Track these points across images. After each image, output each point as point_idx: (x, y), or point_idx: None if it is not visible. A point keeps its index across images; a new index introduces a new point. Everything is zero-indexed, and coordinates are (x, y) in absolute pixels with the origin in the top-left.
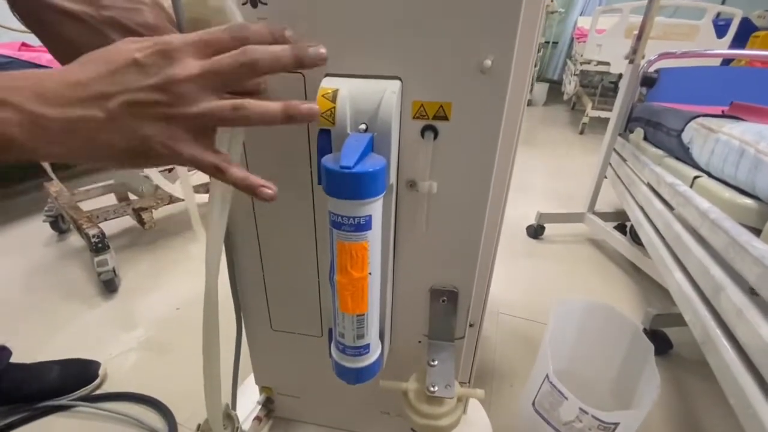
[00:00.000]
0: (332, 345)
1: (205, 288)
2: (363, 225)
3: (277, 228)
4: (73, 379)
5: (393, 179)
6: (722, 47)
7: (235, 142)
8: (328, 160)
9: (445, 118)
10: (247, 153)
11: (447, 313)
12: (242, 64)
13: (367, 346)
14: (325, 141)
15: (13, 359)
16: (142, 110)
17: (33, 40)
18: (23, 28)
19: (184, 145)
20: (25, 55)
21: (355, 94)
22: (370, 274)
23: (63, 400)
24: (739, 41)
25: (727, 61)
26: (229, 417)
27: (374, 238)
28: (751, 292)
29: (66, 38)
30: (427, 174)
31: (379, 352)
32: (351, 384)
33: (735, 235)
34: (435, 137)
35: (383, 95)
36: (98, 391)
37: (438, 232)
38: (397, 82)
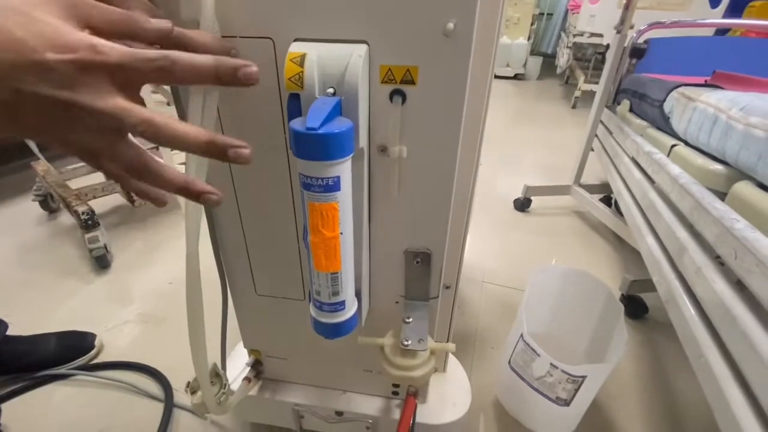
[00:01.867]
0: (310, 303)
1: (186, 250)
2: (332, 186)
3: (256, 195)
4: (70, 349)
5: (364, 143)
6: (716, 17)
7: (208, 108)
8: (296, 123)
9: (412, 82)
10: (222, 120)
11: (421, 273)
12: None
13: (342, 303)
14: (295, 105)
15: (10, 333)
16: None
17: None
18: None
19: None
20: None
21: (323, 59)
22: (341, 233)
23: (61, 369)
24: (736, 12)
25: (723, 32)
26: (217, 375)
27: (344, 198)
28: (717, 260)
29: None
30: (396, 138)
31: (355, 308)
32: (329, 338)
33: (699, 198)
34: (403, 102)
35: (350, 59)
36: (95, 361)
37: (409, 196)
38: (364, 46)
